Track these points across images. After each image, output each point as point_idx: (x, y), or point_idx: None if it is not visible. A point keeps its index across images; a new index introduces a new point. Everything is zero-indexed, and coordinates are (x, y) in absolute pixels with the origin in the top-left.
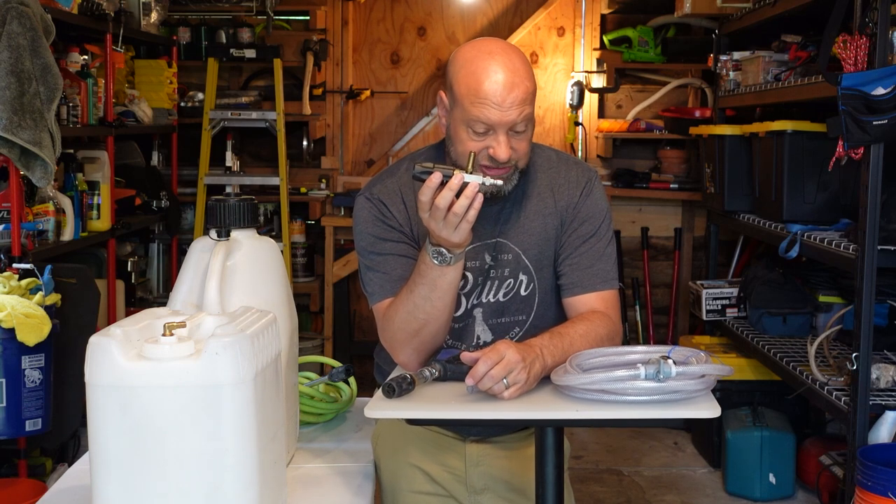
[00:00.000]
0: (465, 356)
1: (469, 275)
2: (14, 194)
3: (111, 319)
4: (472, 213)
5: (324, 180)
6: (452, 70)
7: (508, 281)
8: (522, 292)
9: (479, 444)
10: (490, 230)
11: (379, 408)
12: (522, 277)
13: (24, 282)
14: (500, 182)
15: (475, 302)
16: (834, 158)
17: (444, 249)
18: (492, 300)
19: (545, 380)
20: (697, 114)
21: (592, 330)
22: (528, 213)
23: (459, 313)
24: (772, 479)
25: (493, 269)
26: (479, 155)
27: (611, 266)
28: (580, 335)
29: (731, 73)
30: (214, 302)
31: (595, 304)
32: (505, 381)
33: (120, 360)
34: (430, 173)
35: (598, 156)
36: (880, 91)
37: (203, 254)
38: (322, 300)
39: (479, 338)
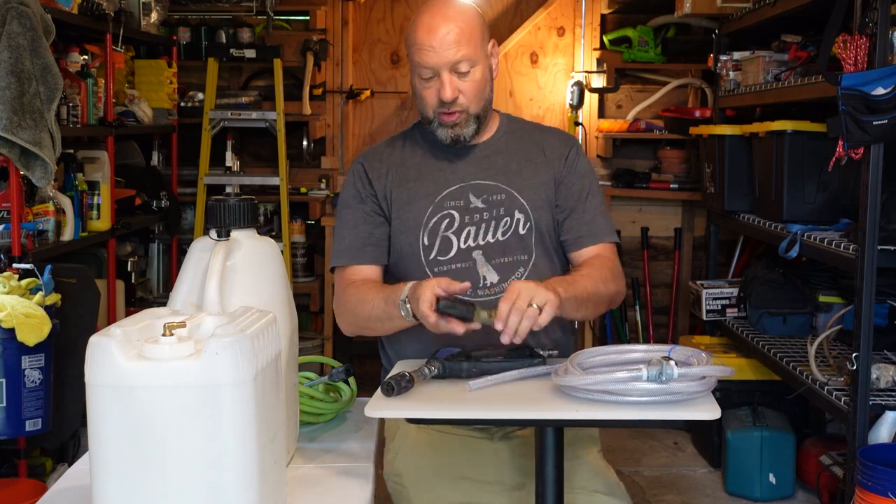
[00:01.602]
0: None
1: (455, 213)
2: (14, 194)
3: (111, 319)
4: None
5: (324, 180)
6: (410, 27)
7: (505, 219)
8: (521, 230)
9: (508, 441)
10: (472, 172)
11: (379, 407)
12: (519, 216)
13: (24, 282)
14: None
15: (472, 244)
16: (834, 158)
17: (412, 311)
18: (491, 241)
19: (545, 380)
20: (697, 114)
21: (596, 271)
22: (518, 160)
23: (452, 254)
24: (772, 479)
25: (486, 211)
26: (434, 102)
27: (610, 222)
28: (584, 275)
29: (731, 73)
30: (214, 302)
31: (601, 253)
32: (534, 305)
33: (120, 360)
34: (455, 310)
35: (598, 156)
36: (880, 91)
37: (203, 254)
38: (322, 300)
39: (484, 278)
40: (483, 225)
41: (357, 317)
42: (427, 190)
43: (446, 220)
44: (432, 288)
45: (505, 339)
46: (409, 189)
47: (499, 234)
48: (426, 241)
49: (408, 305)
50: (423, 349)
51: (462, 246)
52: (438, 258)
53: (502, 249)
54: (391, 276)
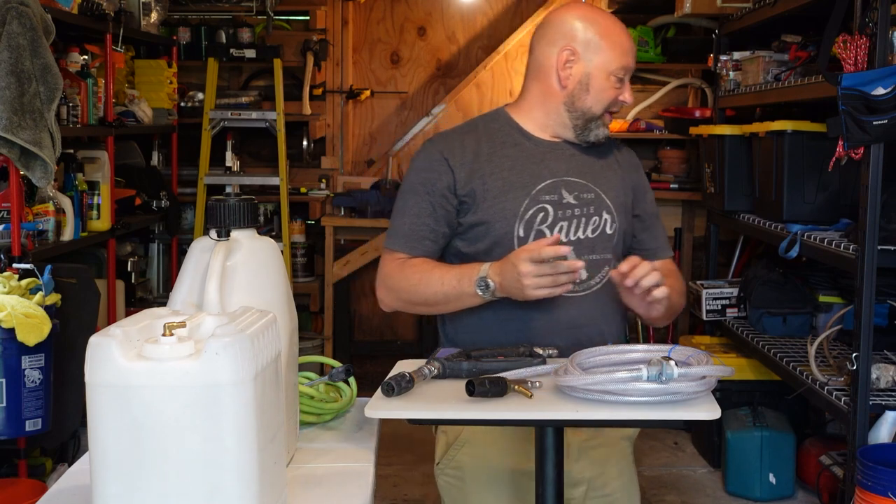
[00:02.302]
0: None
1: (549, 207)
2: (14, 194)
3: (111, 319)
4: (556, 291)
5: (324, 180)
6: (580, 27)
7: (594, 218)
8: (608, 230)
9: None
10: (564, 168)
11: (379, 407)
12: (606, 217)
13: (24, 282)
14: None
15: (564, 240)
16: (834, 158)
17: (493, 289)
18: (581, 237)
19: (545, 380)
20: (697, 114)
21: (677, 283)
22: (600, 163)
23: None
24: (772, 479)
25: (577, 208)
26: (609, 101)
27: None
28: (670, 285)
29: (731, 73)
30: (214, 302)
31: (672, 268)
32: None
33: (120, 360)
34: (486, 389)
35: None
36: (880, 91)
37: (203, 254)
38: (322, 300)
39: None
40: (575, 221)
41: (415, 295)
42: (523, 181)
43: (541, 214)
44: (524, 261)
45: (629, 282)
46: (503, 179)
47: (588, 232)
48: (521, 233)
49: (489, 282)
50: (489, 335)
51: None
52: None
53: (591, 247)
54: (464, 262)
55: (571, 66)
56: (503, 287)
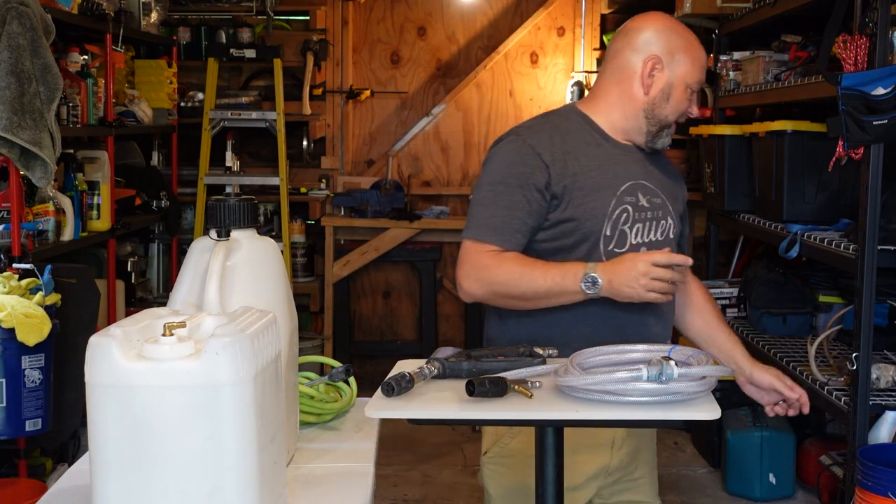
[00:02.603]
0: None
1: (630, 208)
2: (14, 194)
3: (111, 319)
4: (664, 298)
5: (324, 180)
6: (666, 38)
7: (662, 222)
8: (671, 235)
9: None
10: (638, 172)
11: (379, 407)
12: (670, 221)
13: (24, 282)
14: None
15: (642, 241)
16: (834, 158)
17: (600, 284)
18: (653, 239)
19: (545, 380)
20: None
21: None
22: (660, 171)
23: (626, 248)
24: (772, 479)
25: (650, 211)
26: (682, 111)
27: None
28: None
29: (731, 73)
30: (214, 302)
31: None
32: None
33: (120, 360)
34: (486, 389)
35: None
36: (880, 91)
37: (203, 254)
38: (322, 300)
39: None
40: (648, 224)
41: (514, 288)
42: (609, 182)
43: (624, 214)
44: (648, 262)
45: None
46: (592, 178)
47: (658, 234)
48: (608, 232)
49: (598, 279)
50: (593, 332)
51: (633, 241)
52: (615, 250)
53: (659, 249)
54: (551, 256)
55: (655, 75)
56: (612, 285)
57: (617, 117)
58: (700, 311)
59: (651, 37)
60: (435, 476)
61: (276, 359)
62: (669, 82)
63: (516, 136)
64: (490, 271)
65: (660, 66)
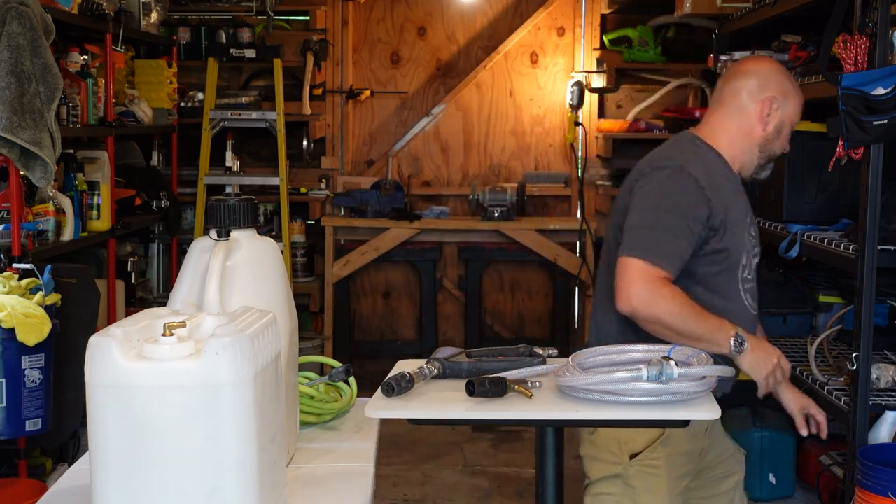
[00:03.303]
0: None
1: (753, 239)
2: (14, 194)
3: (111, 319)
4: (769, 389)
5: (324, 180)
6: (779, 81)
7: (757, 248)
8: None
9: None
10: (748, 203)
11: (379, 407)
12: (758, 248)
13: (24, 282)
14: None
15: (750, 268)
16: (834, 158)
17: (746, 348)
18: (754, 265)
19: (545, 380)
20: (697, 114)
21: None
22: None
23: (747, 275)
24: (772, 479)
25: (755, 238)
26: (783, 148)
27: None
28: None
29: None
30: (214, 302)
31: None
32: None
33: (120, 360)
34: (486, 389)
35: (597, 156)
36: (880, 91)
37: (203, 254)
38: (322, 300)
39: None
40: (755, 251)
41: (680, 324)
42: (742, 213)
43: (749, 244)
44: (783, 359)
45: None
46: (735, 210)
47: (756, 260)
48: (744, 261)
49: (745, 345)
50: None
51: (747, 272)
52: (746, 277)
53: (754, 276)
54: (696, 282)
55: (772, 114)
56: (754, 354)
57: (737, 150)
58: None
59: (768, 80)
60: (435, 476)
61: (276, 359)
62: (782, 120)
63: (680, 168)
64: (664, 302)
65: (776, 106)
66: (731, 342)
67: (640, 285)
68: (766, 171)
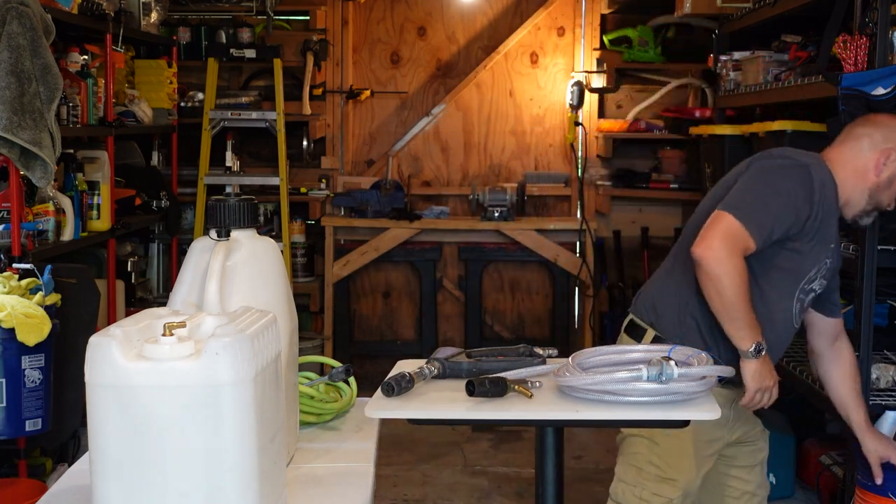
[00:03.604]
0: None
1: (828, 262)
2: (14, 194)
3: (111, 319)
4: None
5: (324, 180)
6: None
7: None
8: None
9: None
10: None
11: (379, 407)
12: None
13: (24, 282)
14: None
15: (809, 287)
16: None
17: (760, 358)
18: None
19: (545, 380)
20: (697, 114)
21: None
22: None
23: (806, 286)
24: (772, 479)
25: (829, 271)
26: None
27: None
28: None
29: (731, 73)
30: (214, 302)
31: None
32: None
33: (120, 360)
34: (486, 388)
35: (597, 156)
36: (880, 91)
37: (203, 254)
38: (322, 300)
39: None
40: (822, 272)
41: (729, 293)
42: (831, 238)
43: (823, 268)
44: (776, 384)
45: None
46: (827, 230)
47: (819, 287)
48: (811, 274)
49: (760, 354)
50: None
51: (811, 284)
52: (806, 287)
53: (812, 298)
54: (760, 271)
55: (888, 164)
56: (759, 366)
57: (848, 188)
58: (843, 373)
59: (892, 134)
60: (435, 476)
61: (276, 359)
62: (894, 172)
63: (805, 166)
64: (733, 270)
65: (893, 157)
66: (753, 345)
67: (723, 242)
68: (868, 218)
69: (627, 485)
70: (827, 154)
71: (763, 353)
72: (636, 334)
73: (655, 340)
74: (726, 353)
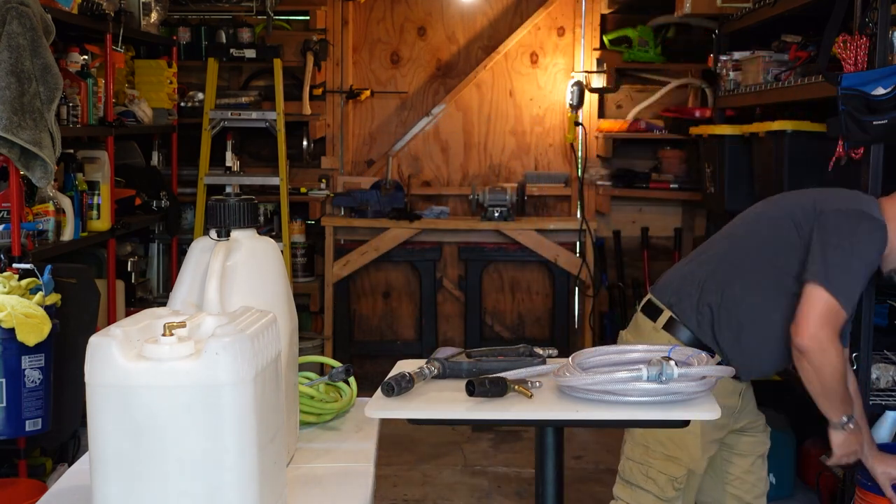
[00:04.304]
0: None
1: None
2: (14, 194)
3: (111, 319)
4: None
5: (324, 180)
6: None
7: None
8: None
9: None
10: None
11: (379, 407)
12: None
13: (24, 282)
14: None
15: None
16: (834, 158)
17: (850, 429)
18: None
19: (545, 379)
20: (697, 114)
21: None
22: None
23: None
24: (772, 478)
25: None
26: None
27: None
28: None
29: (731, 73)
30: (214, 302)
31: None
32: None
33: (120, 360)
34: (486, 389)
35: (597, 156)
36: (880, 91)
37: (203, 254)
38: (322, 300)
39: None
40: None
41: (827, 377)
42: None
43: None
44: (860, 455)
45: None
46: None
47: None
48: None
49: (846, 426)
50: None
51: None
52: (846, 332)
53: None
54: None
55: None
56: (846, 437)
57: (894, 243)
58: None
59: None
60: (435, 476)
61: (276, 359)
62: None
63: (883, 228)
64: (834, 357)
65: None
66: (843, 418)
67: (823, 328)
68: None
69: (635, 462)
70: (885, 205)
71: (849, 425)
72: (652, 313)
73: (670, 322)
74: (738, 351)
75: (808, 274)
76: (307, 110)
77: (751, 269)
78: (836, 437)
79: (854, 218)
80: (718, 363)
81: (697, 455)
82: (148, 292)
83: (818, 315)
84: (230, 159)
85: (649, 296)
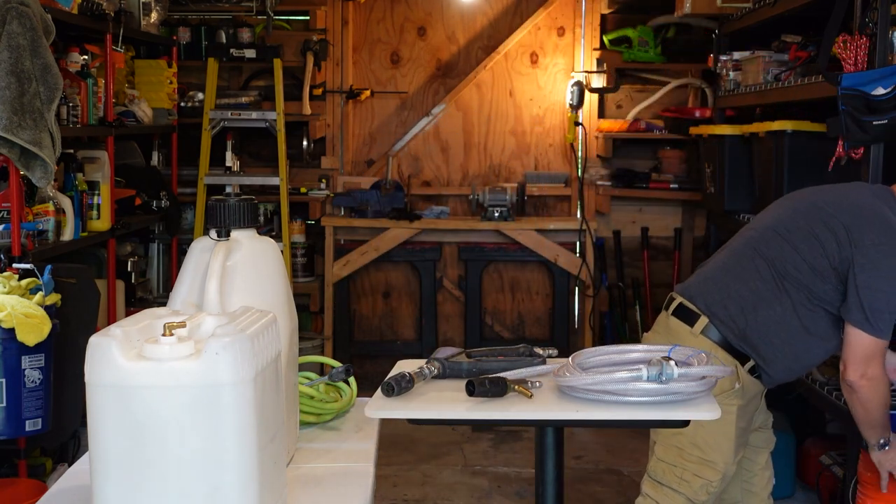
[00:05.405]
0: None
1: None
2: (14, 194)
3: (111, 319)
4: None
5: (324, 180)
6: None
7: None
8: None
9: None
10: None
11: (379, 407)
12: None
13: (24, 282)
14: None
15: None
16: (834, 158)
17: (885, 449)
18: None
19: (545, 379)
20: (697, 114)
21: None
22: None
23: None
24: None
25: None
26: None
27: None
28: None
29: (731, 73)
30: (214, 302)
31: None
32: None
33: (120, 360)
34: (486, 389)
35: (597, 156)
36: (880, 91)
37: (203, 254)
38: (322, 300)
39: None
40: None
41: (873, 408)
42: None
43: None
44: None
45: None
46: None
47: None
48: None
49: (883, 448)
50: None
51: None
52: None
53: None
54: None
55: None
56: (886, 455)
57: None
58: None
59: None
60: (435, 476)
61: (276, 359)
62: None
63: None
64: (883, 391)
65: None
66: (880, 440)
67: (870, 365)
68: None
69: (668, 464)
70: None
71: (886, 446)
72: (688, 318)
73: (707, 328)
74: (775, 357)
75: (850, 317)
76: (307, 110)
77: (781, 284)
78: (875, 457)
79: (891, 251)
80: (752, 367)
81: (731, 459)
82: (148, 292)
83: (864, 356)
84: (230, 159)
85: (680, 299)
